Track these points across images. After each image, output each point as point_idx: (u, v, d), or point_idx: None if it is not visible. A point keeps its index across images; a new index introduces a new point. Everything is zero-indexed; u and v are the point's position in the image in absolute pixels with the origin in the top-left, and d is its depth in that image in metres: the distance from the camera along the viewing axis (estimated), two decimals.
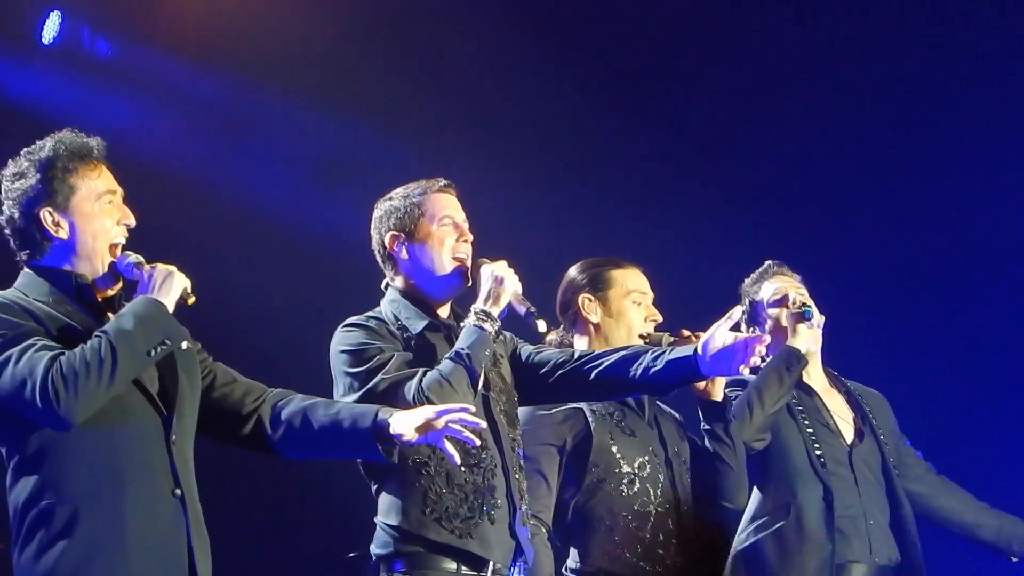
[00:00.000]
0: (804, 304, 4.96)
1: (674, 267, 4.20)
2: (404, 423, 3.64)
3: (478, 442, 3.76)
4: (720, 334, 4.01)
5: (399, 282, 4.20)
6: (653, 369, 4.08)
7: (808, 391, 5.08)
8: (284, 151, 7.14)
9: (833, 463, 4.95)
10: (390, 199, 4.23)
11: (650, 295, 4.73)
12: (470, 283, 4.18)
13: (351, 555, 4.36)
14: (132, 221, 3.68)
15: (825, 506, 4.87)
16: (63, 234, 3.60)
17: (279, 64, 6.94)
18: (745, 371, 4.03)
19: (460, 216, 4.20)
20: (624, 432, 4.59)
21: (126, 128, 6.45)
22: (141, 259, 3.64)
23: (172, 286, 3.56)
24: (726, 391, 4.77)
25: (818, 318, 4.99)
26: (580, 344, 4.70)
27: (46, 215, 3.59)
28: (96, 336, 3.44)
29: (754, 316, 5.11)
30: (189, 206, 6.74)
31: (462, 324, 4.09)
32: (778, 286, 5.09)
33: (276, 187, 7.03)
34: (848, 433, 5.05)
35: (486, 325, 4.03)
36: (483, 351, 4.00)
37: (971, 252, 6.87)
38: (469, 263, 4.18)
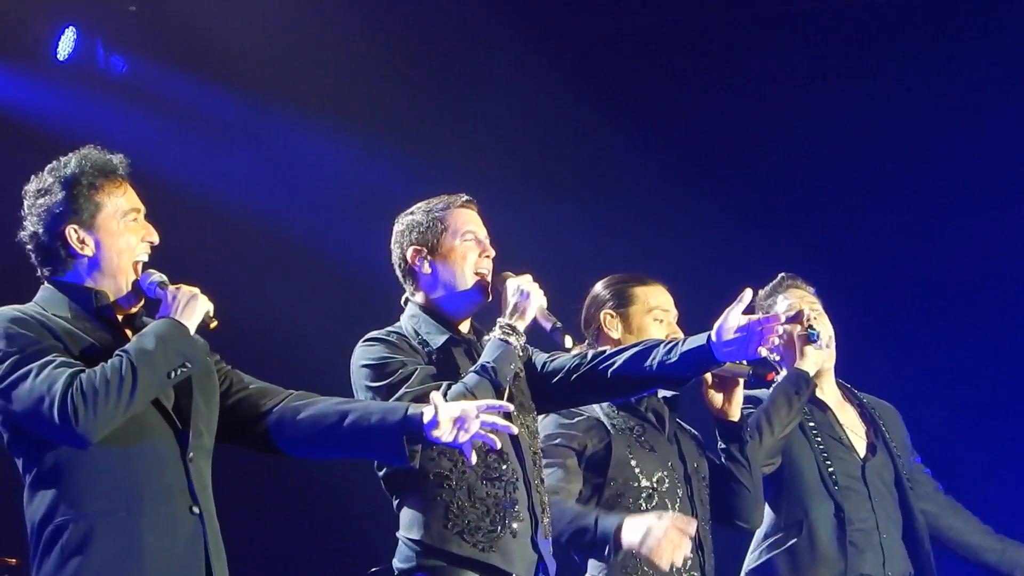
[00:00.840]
0: (810, 326, 4.95)
1: (694, 281, 4.18)
2: (442, 413, 3.55)
3: (499, 445, 3.73)
4: (733, 318, 3.94)
5: (419, 297, 4.20)
6: (668, 361, 4.04)
7: (821, 406, 5.07)
8: (300, 169, 7.15)
9: (846, 478, 4.94)
10: (412, 214, 4.23)
11: (673, 312, 4.71)
12: (491, 299, 4.18)
13: (373, 570, 4.35)
14: (156, 239, 3.67)
15: (837, 523, 4.87)
16: (88, 251, 3.59)
17: (296, 82, 6.95)
18: (764, 351, 3.95)
19: (482, 232, 4.20)
20: (643, 447, 4.58)
21: (141, 144, 6.45)
22: (165, 279, 3.63)
23: (195, 309, 3.55)
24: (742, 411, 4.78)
25: (826, 337, 4.98)
26: None
27: (71, 232, 3.58)
28: (117, 355, 3.43)
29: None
30: (203, 223, 6.75)
31: (485, 339, 4.10)
32: (792, 301, 5.07)
33: (291, 204, 7.03)
34: (861, 447, 5.05)
35: (511, 339, 4.03)
36: (508, 365, 4.00)
37: (986, 266, 6.87)
38: (490, 279, 4.18)
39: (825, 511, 4.89)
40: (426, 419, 3.58)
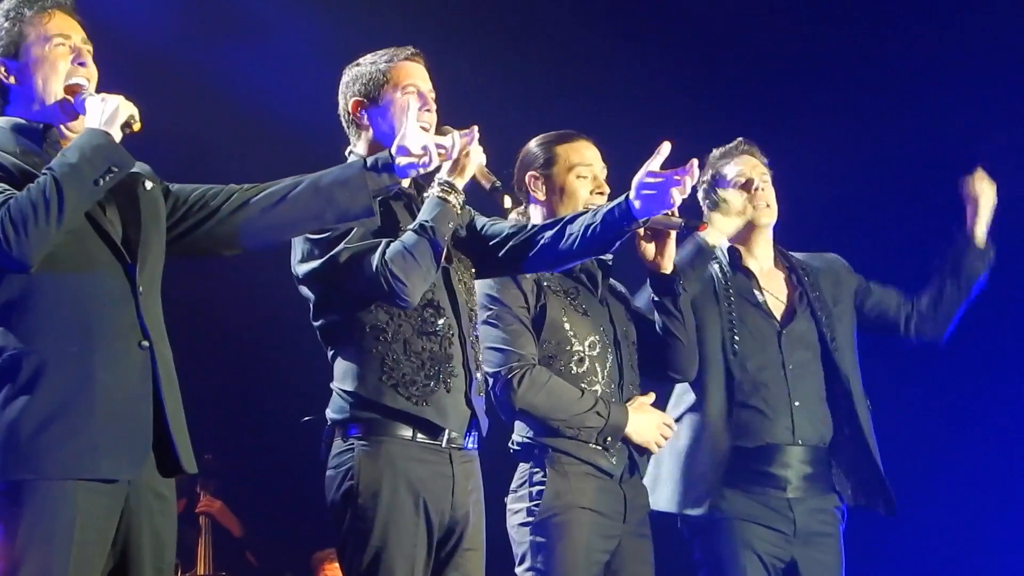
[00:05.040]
0: (723, 198, 4.97)
1: (641, 144, 4.16)
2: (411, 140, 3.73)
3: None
4: (648, 170, 3.98)
5: (361, 148, 4.17)
6: (592, 225, 4.06)
7: (746, 273, 5.09)
8: (253, 27, 7.03)
9: (760, 344, 4.98)
10: (357, 65, 4.20)
11: (597, 166, 4.67)
12: None
13: (305, 419, 4.36)
14: (87, 61, 3.64)
15: (727, 394, 4.92)
16: (13, 80, 3.61)
17: None
18: (677, 196, 3.95)
19: (425, 85, 4.16)
20: (577, 311, 4.61)
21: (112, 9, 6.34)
22: (93, 94, 3.62)
23: (117, 115, 3.52)
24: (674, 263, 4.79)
25: (738, 206, 4.97)
26: (536, 218, 4.69)
27: None
28: (42, 173, 3.43)
29: (714, 190, 5.10)
30: (171, 88, 6.64)
31: (425, 194, 4.08)
32: (742, 168, 5.07)
33: (243, 62, 6.93)
34: (779, 313, 5.07)
35: (450, 197, 4.00)
36: (446, 224, 3.98)
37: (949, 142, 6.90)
38: (432, 132, 4.14)
39: (718, 380, 4.93)
40: (394, 148, 3.72)
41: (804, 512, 4.95)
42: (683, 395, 5.00)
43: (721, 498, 4.89)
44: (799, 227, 5.29)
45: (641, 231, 4.52)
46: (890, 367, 5.63)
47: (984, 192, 5.20)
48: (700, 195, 5.11)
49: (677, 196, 3.97)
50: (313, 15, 6.89)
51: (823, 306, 5.09)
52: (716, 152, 5.13)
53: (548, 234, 4.14)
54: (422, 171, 3.82)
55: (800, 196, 5.31)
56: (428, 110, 4.13)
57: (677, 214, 4.46)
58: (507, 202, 4.15)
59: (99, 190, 3.47)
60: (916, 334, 5.24)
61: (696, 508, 4.91)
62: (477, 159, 4.07)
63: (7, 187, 3.44)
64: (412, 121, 3.79)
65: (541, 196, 4.67)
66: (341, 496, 3.97)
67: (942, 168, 5.64)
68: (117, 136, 3.51)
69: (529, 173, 4.70)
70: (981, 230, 5.20)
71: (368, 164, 3.75)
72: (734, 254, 5.11)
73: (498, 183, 4.12)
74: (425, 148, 3.75)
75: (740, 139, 5.16)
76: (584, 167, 4.66)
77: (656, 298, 4.68)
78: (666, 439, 4.64)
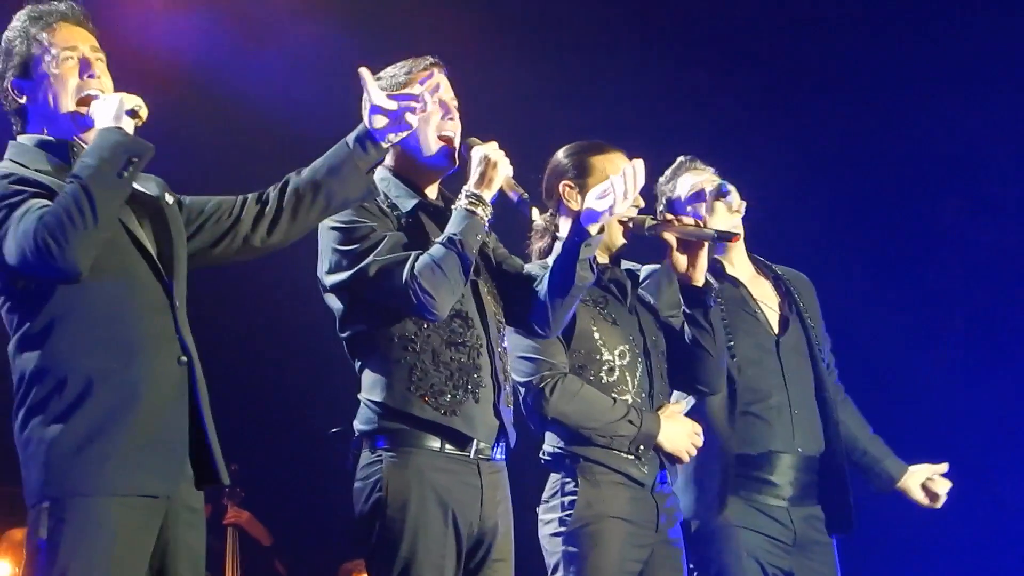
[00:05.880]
0: (721, 183, 4.93)
1: (660, 150, 4.13)
2: (377, 99, 3.75)
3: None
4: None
5: (388, 160, 4.15)
6: (557, 255, 4.11)
7: (734, 281, 5.04)
8: (269, 37, 7.05)
9: (758, 352, 4.94)
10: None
11: None
12: (456, 164, 4.15)
13: (333, 431, 4.36)
14: (96, 72, 3.65)
15: (728, 395, 4.85)
16: (26, 100, 3.64)
17: None
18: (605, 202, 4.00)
19: (447, 95, 4.15)
20: (607, 320, 4.59)
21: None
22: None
23: (120, 109, 3.53)
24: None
25: (737, 202, 4.95)
26: (564, 228, 4.67)
27: (9, 86, 3.65)
28: (67, 181, 3.44)
29: (672, 213, 5.05)
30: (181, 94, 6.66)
31: (453, 207, 4.06)
32: (693, 181, 5.04)
33: (263, 74, 6.94)
34: (775, 322, 5.04)
35: (478, 210, 3.99)
36: (474, 236, 3.97)
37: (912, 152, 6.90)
38: (456, 143, 4.14)
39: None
40: (366, 115, 3.74)
41: (801, 520, 4.91)
42: (681, 397, 4.92)
43: (725, 505, 4.84)
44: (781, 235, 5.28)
45: (673, 242, 4.50)
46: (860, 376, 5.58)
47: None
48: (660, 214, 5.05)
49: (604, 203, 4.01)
50: (330, 24, 6.91)
51: (810, 316, 5.08)
52: (661, 178, 5.10)
53: (540, 284, 4.17)
54: (403, 135, 3.79)
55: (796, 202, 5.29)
56: (451, 119, 4.12)
57: (708, 225, 4.43)
58: (535, 214, 4.14)
59: (125, 182, 3.46)
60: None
61: (705, 516, 4.86)
62: (504, 171, 4.06)
63: (47, 203, 3.45)
64: (371, 84, 3.79)
65: (575, 206, 4.58)
66: (369, 507, 3.96)
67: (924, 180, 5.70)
68: (129, 128, 3.52)
69: (563, 183, 4.65)
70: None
71: (351, 144, 3.75)
72: (715, 265, 5.02)
73: (526, 195, 4.12)
74: (395, 99, 3.75)
75: (681, 157, 5.12)
76: None
77: (687, 310, 4.64)
78: (697, 448, 4.61)
